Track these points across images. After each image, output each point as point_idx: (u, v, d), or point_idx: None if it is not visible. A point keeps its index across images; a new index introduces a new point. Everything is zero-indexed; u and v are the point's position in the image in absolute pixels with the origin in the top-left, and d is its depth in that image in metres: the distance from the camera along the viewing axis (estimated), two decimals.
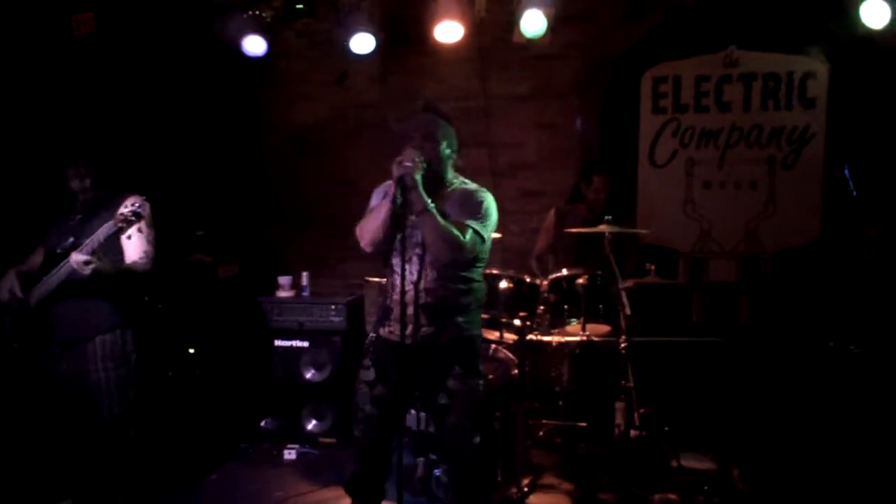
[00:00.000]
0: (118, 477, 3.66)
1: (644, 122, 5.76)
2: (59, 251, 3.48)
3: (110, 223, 3.33)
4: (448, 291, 3.26)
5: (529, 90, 5.91)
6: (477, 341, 3.40)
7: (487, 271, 4.33)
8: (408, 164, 3.05)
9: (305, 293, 5.24)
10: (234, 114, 6.03)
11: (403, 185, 3.05)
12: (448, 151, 3.32)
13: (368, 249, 3.30)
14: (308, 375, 4.97)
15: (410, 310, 3.14)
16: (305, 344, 5.00)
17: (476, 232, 3.19)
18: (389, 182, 3.19)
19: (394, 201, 3.09)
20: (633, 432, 4.71)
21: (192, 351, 4.84)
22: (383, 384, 3.31)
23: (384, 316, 3.39)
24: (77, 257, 3.29)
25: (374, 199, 3.40)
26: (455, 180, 3.39)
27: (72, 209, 3.66)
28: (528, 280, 4.29)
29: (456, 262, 3.21)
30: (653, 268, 4.67)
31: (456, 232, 3.11)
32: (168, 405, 4.84)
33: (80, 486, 3.80)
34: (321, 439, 4.91)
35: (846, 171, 4.40)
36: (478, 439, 3.28)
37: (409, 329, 3.13)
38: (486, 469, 3.41)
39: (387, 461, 3.45)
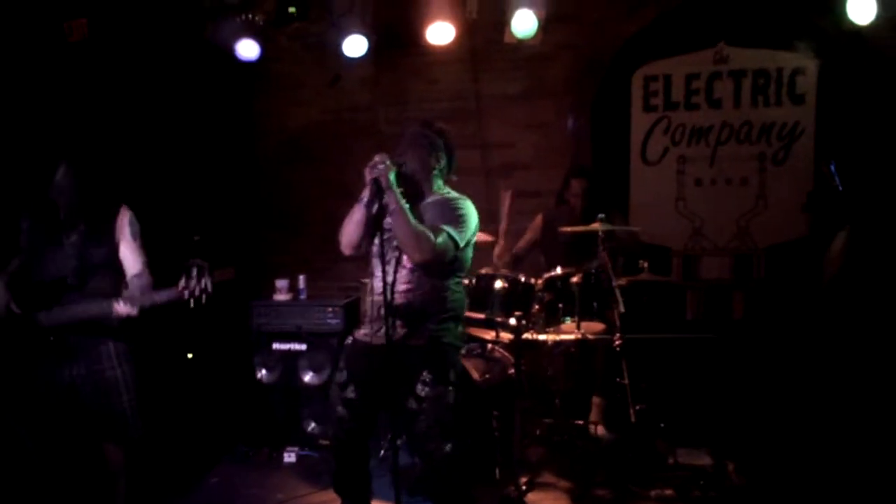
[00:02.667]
0: (120, 476, 3.70)
1: (635, 120, 5.81)
2: (70, 282, 3.48)
3: (172, 292, 3.36)
4: (421, 296, 3.30)
5: (521, 90, 5.94)
6: (450, 351, 3.39)
7: (483, 272, 4.39)
8: (380, 166, 3.14)
9: (302, 296, 5.28)
10: (227, 118, 6.05)
11: (378, 186, 3.15)
12: (433, 161, 3.41)
13: (347, 252, 3.40)
14: (306, 378, 5.00)
15: (381, 311, 3.20)
16: (303, 347, 5.02)
17: (450, 236, 3.24)
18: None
19: (368, 203, 3.21)
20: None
21: (190, 356, 4.86)
22: (354, 386, 3.35)
23: (360, 320, 3.48)
24: (123, 309, 3.37)
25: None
26: (441, 190, 3.45)
27: (52, 215, 3.61)
28: (522, 279, 4.33)
29: (427, 263, 3.23)
30: (646, 265, 4.71)
31: (427, 233, 3.16)
32: (167, 409, 4.87)
33: (84, 490, 3.85)
34: (320, 441, 4.94)
35: (832, 167, 4.44)
36: (449, 447, 3.27)
37: (382, 330, 3.19)
38: (461, 475, 3.40)
39: (363, 462, 3.52)
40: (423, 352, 3.29)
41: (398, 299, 3.26)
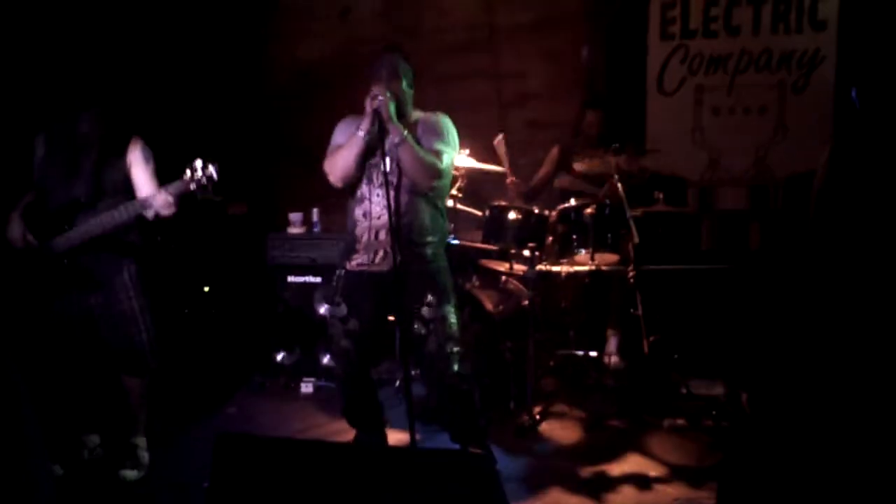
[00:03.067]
0: (140, 406, 3.77)
1: (652, 49, 5.67)
2: (83, 200, 3.51)
3: (180, 185, 3.38)
4: (416, 220, 3.35)
5: (535, 19, 5.81)
6: (445, 272, 3.48)
7: (496, 203, 4.37)
8: (381, 98, 3.18)
9: (316, 229, 5.28)
10: (238, 51, 5.99)
11: (380, 117, 3.17)
12: (409, 88, 3.44)
13: (339, 184, 3.44)
14: (322, 310, 5.03)
15: (382, 236, 3.27)
16: (318, 279, 5.04)
17: (449, 157, 3.36)
18: (352, 117, 3.41)
19: (369, 134, 3.23)
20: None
21: (206, 289, 4.90)
22: (356, 318, 3.39)
23: (351, 248, 3.47)
24: (164, 198, 3.37)
25: (339, 136, 3.51)
26: (415, 113, 3.49)
27: (66, 143, 3.62)
28: (536, 211, 4.31)
29: (435, 188, 3.34)
30: (661, 196, 4.68)
31: (432, 158, 3.27)
32: (184, 342, 4.94)
33: (105, 419, 3.93)
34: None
35: (853, 94, 4.35)
36: (456, 367, 3.35)
37: (381, 255, 3.28)
38: (473, 396, 3.48)
39: (372, 390, 3.62)
40: (424, 275, 3.35)
41: (397, 222, 3.29)
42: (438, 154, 3.32)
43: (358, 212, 3.44)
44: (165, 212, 3.42)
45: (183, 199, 3.48)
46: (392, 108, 3.19)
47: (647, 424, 4.19)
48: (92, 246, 3.48)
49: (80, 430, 3.87)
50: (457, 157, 3.49)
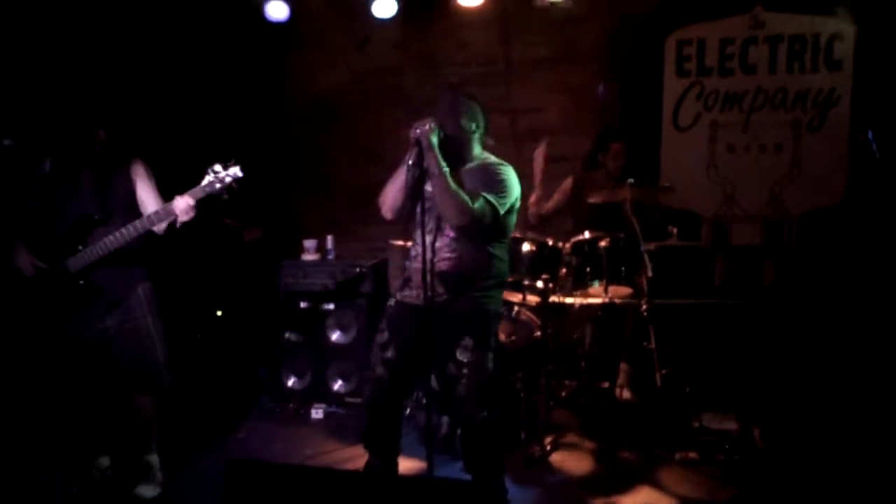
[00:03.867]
0: (152, 424, 3.79)
1: (668, 85, 5.71)
2: (97, 217, 3.55)
3: (207, 187, 3.44)
4: (464, 262, 3.31)
5: (551, 53, 5.88)
6: (491, 317, 3.41)
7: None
8: (424, 127, 3.18)
9: (330, 256, 5.31)
10: (257, 78, 6.06)
11: (420, 146, 3.16)
12: (472, 126, 3.38)
13: (389, 216, 3.42)
14: (334, 337, 5.04)
15: (428, 276, 3.20)
16: (331, 306, 5.06)
17: (488, 202, 3.23)
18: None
19: (410, 166, 3.21)
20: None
21: (219, 313, 4.93)
22: (395, 347, 3.38)
23: (404, 283, 3.48)
24: (186, 202, 3.39)
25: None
26: (481, 156, 3.44)
27: (72, 166, 3.64)
28: (550, 243, 4.33)
29: (465, 227, 3.24)
30: (675, 231, 4.69)
31: (465, 197, 3.16)
32: (196, 366, 4.95)
33: (116, 441, 3.94)
34: (347, 399, 4.99)
35: (870, 135, 4.38)
36: (486, 413, 3.32)
37: (425, 295, 3.20)
38: (498, 441, 3.47)
39: (396, 420, 3.57)
40: (464, 317, 3.31)
41: (442, 266, 3.28)
42: (475, 196, 3.20)
43: (412, 251, 3.48)
44: (185, 217, 3.42)
45: (199, 222, 3.51)
46: (434, 138, 3.16)
47: (658, 458, 4.15)
48: (106, 263, 3.50)
49: (91, 453, 3.88)
50: (506, 208, 3.33)
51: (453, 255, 3.30)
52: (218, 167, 3.44)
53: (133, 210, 3.59)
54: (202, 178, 3.44)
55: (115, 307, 3.58)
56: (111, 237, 3.44)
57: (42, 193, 3.65)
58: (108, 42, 4.77)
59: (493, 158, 3.45)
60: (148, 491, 3.71)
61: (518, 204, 3.42)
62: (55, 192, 3.63)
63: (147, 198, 3.62)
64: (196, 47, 5.34)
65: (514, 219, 3.45)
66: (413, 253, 3.45)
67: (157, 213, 3.46)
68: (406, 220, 3.44)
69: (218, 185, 3.43)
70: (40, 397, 2.23)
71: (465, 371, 3.27)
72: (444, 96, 3.46)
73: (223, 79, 5.61)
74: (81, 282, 3.52)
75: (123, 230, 3.44)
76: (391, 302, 3.52)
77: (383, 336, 3.44)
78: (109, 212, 3.55)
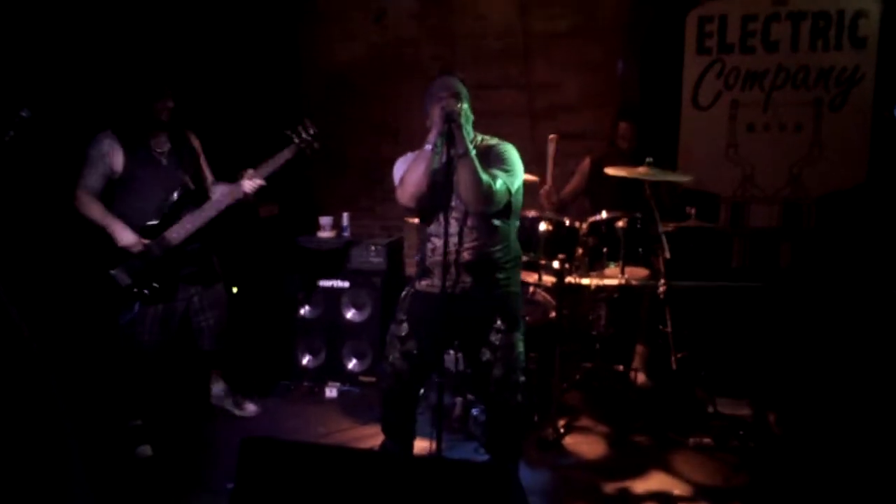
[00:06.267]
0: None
1: (688, 62, 5.63)
2: (181, 192, 3.72)
3: (288, 152, 3.82)
4: (487, 246, 3.25)
5: (570, 28, 5.79)
6: (517, 298, 3.39)
7: (526, 214, 4.34)
8: (451, 100, 3.09)
9: (346, 234, 5.29)
10: (273, 52, 6.01)
11: (451, 120, 3.00)
12: (469, 111, 3.27)
13: (412, 204, 3.21)
14: (348, 315, 5.04)
15: (452, 267, 3.17)
16: (346, 284, 5.05)
17: (504, 183, 3.17)
18: (410, 153, 3.29)
19: (436, 143, 3.02)
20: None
21: (235, 290, 4.91)
22: (416, 339, 3.29)
23: (423, 273, 3.37)
24: (254, 183, 3.73)
25: (400, 166, 3.33)
26: (477, 137, 3.35)
27: (145, 143, 3.73)
28: (567, 223, 4.29)
29: (485, 213, 3.19)
30: (693, 211, 4.64)
31: (488, 179, 3.08)
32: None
33: (150, 408, 4.06)
34: (361, 378, 5.00)
35: (895, 112, 4.30)
36: (520, 397, 3.31)
37: (450, 283, 3.16)
38: (524, 425, 3.49)
39: (413, 408, 3.51)
40: (493, 301, 3.27)
41: (467, 256, 3.21)
42: (494, 177, 3.12)
43: (428, 243, 3.34)
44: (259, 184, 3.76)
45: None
46: (464, 116, 3.08)
47: (672, 442, 4.14)
48: (193, 237, 3.72)
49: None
50: (516, 186, 3.27)
51: (477, 241, 3.23)
52: (300, 129, 3.74)
53: (199, 180, 3.67)
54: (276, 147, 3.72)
55: (202, 277, 3.76)
56: (199, 212, 3.54)
57: (111, 169, 3.68)
58: (130, 20, 4.75)
59: (491, 139, 3.37)
60: (147, 450, 3.88)
61: (522, 181, 3.36)
62: (131, 166, 3.67)
63: (206, 167, 3.73)
64: (210, 20, 5.28)
65: (521, 198, 3.38)
66: (431, 246, 3.31)
67: (231, 191, 3.73)
68: (424, 208, 3.27)
69: (303, 146, 3.79)
70: (63, 402, 2.22)
71: (498, 354, 3.23)
72: (442, 80, 3.32)
73: (238, 53, 5.56)
74: (188, 248, 3.73)
75: (209, 205, 3.58)
76: (409, 291, 3.40)
77: (402, 328, 3.32)
78: (193, 184, 3.65)
